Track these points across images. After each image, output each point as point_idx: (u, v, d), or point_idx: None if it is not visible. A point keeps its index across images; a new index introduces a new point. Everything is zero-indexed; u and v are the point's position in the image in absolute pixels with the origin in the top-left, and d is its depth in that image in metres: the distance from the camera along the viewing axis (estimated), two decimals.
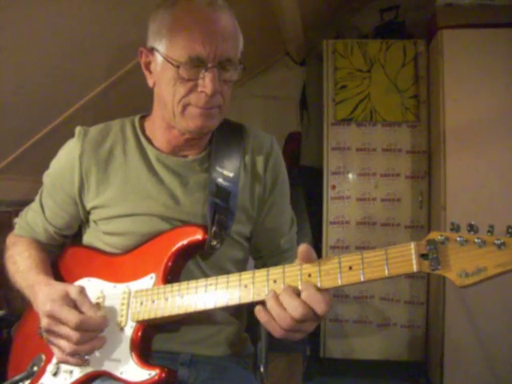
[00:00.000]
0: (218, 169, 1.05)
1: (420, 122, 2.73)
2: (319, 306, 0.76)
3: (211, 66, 0.92)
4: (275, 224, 1.13)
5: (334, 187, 2.77)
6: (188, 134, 1.01)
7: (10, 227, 1.18)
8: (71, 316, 0.86)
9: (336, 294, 2.75)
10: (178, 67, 0.92)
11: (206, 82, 0.92)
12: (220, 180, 1.03)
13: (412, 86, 2.72)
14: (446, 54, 2.42)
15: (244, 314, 1.18)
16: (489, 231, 0.70)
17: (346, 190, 2.78)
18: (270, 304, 0.79)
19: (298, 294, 0.78)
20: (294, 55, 3.12)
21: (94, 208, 1.05)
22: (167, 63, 0.94)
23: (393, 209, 2.75)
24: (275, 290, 0.80)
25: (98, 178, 1.03)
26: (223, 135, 1.09)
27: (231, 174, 1.04)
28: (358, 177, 2.78)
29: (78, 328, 0.86)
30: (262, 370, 1.34)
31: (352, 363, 2.74)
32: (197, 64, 0.92)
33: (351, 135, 2.77)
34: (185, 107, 0.96)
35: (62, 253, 1.12)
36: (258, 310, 0.80)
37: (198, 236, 0.96)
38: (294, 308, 0.76)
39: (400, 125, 2.75)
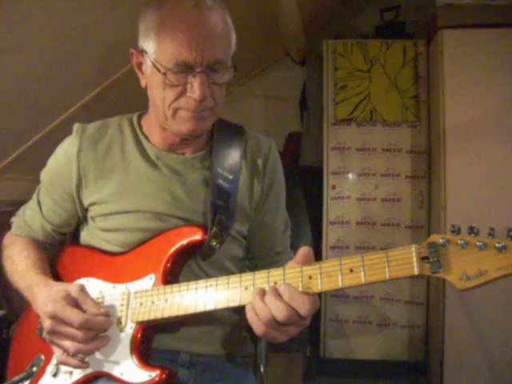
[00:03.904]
0: (219, 170, 1.05)
1: (420, 122, 2.73)
2: (303, 308, 0.77)
3: (199, 71, 0.91)
4: (269, 226, 1.14)
5: (334, 187, 2.77)
6: (181, 136, 1.01)
7: (9, 227, 1.18)
8: (75, 315, 0.86)
9: (336, 294, 2.75)
10: (164, 74, 0.91)
11: (194, 88, 0.92)
12: (220, 181, 1.03)
13: (412, 86, 2.72)
14: (446, 54, 2.42)
15: (244, 312, 1.18)
16: (490, 234, 0.71)
17: (346, 190, 2.78)
18: (255, 300, 0.80)
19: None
20: (294, 55, 3.12)
21: (91, 204, 1.05)
22: (155, 68, 0.93)
23: (393, 209, 2.74)
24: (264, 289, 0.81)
25: (96, 175, 1.03)
26: (223, 136, 1.09)
27: (231, 176, 1.04)
28: (358, 177, 2.77)
29: (83, 327, 0.86)
30: (262, 369, 1.34)
31: (352, 363, 2.74)
32: (184, 69, 0.91)
33: (351, 135, 2.77)
34: (175, 111, 0.96)
35: (61, 253, 1.12)
36: (247, 308, 0.81)
37: (198, 236, 0.97)
38: (279, 310, 0.77)
39: (400, 125, 2.75)
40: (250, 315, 0.81)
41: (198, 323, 1.03)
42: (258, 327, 0.80)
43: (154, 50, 0.93)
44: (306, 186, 2.84)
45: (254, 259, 1.18)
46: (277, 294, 0.78)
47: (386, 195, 2.75)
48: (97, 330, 0.88)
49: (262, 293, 0.80)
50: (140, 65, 1.00)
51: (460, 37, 2.40)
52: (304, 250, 0.82)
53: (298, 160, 3.10)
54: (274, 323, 0.78)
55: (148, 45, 0.94)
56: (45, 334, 0.91)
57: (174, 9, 0.92)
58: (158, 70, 0.92)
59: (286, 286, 0.79)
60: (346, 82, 2.75)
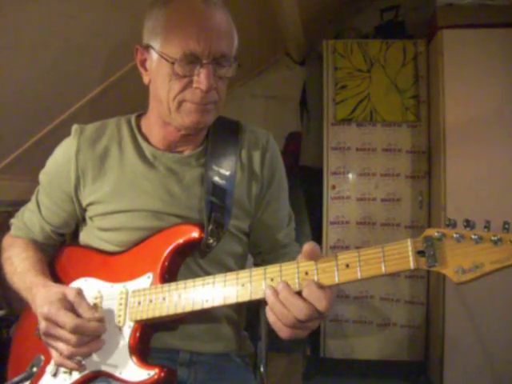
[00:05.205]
0: (214, 167, 1.05)
1: (420, 121, 2.73)
2: (320, 304, 0.76)
3: (206, 63, 0.93)
4: (273, 219, 1.13)
5: (334, 187, 2.77)
6: (184, 130, 1.02)
7: (8, 227, 1.18)
8: (67, 319, 0.86)
9: (336, 294, 2.74)
10: (173, 63, 0.93)
11: (201, 78, 0.93)
12: (216, 178, 1.04)
13: (412, 86, 2.72)
14: (446, 54, 2.42)
15: (243, 311, 1.18)
16: (485, 227, 0.70)
17: (346, 190, 2.78)
18: (271, 301, 0.78)
19: (296, 291, 0.78)
20: (294, 55, 3.12)
21: (89, 204, 1.05)
22: (162, 60, 0.94)
23: (393, 209, 2.75)
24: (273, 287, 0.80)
25: (94, 174, 1.04)
26: (219, 132, 1.10)
27: (227, 173, 1.04)
28: (358, 177, 2.78)
29: (75, 331, 0.85)
30: (261, 369, 1.34)
31: (352, 363, 2.74)
32: (191, 60, 0.93)
33: (351, 135, 2.77)
34: (180, 103, 0.97)
35: (59, 253, 1.12)
36: (267, 311, 0.80)
37: (195, 234, 0.96)
38: (299, 309, 0.76)
39: (400, 125, 2.75)
40: (272, 320, 0.79)
41: (196, 321, 1.03)
42: (282, 331, 0.79)
43: (162, 43, 0.95)
44: (305, 186, 2.85)
45: (261, 254, 1.17)
46: (292, 291, 0.78)
47: (385, 195, 2.75)
48: (89, 335, 0.88)
49: (276, 293, 0.79)
50: (144, 61, 1.01)
51: (460, 37, 2.41)
52: (310, 245, 0.80)
53: (298, 160, 3.10)
54: (297, 323, 0.77)
55: (155, 40, 0.96)
56: (40, 334, 0.91)
57: (183, 4, 0.96)
58: (167, 61, 0.93)
59: (306, 281, 0.78)
60: (346, 81, 2.75)
